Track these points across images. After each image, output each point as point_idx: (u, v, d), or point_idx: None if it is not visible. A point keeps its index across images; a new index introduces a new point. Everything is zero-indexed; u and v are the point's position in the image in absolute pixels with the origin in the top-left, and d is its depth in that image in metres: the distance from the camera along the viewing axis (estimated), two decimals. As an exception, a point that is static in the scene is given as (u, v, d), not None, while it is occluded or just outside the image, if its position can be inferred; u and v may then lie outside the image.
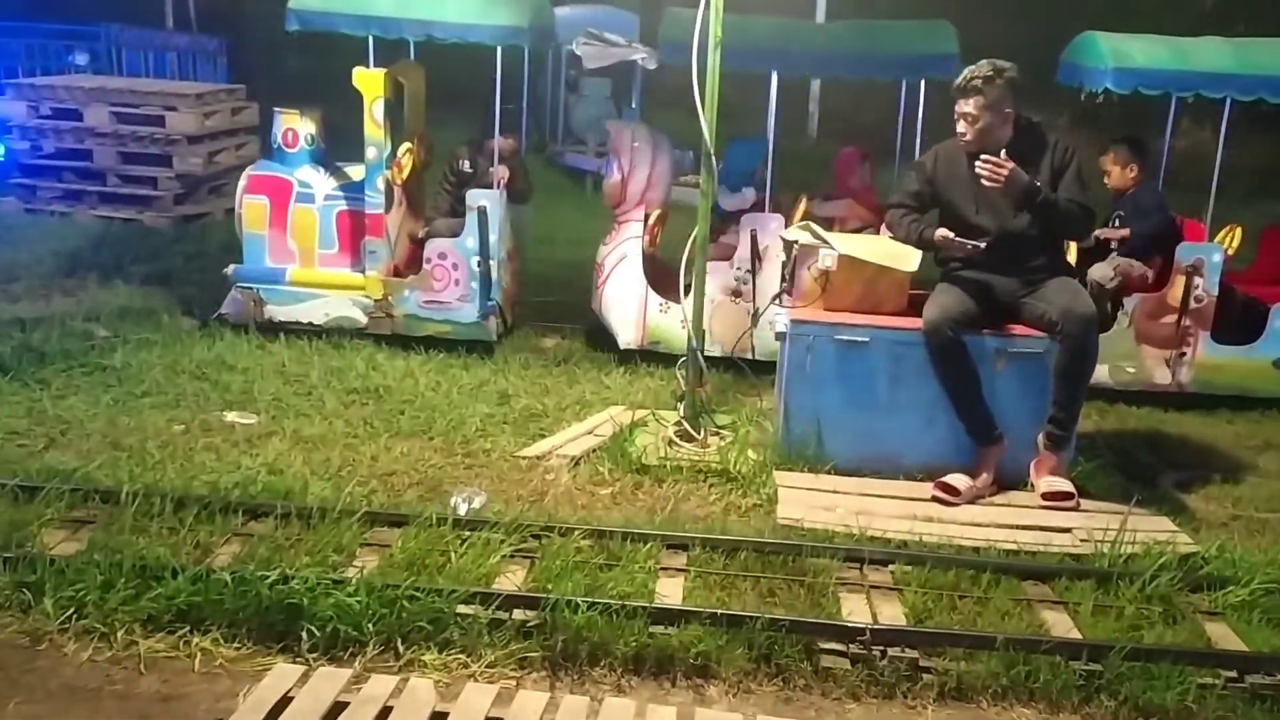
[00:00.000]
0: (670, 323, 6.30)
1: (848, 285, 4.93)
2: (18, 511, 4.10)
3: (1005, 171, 4.51)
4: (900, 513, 4.56)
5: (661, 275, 6.39)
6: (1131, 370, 6.13)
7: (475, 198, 6.28)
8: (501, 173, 6.45)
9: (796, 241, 5.10)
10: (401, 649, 3.50)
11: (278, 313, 6.48)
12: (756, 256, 6.18)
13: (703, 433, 5.28)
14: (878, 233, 5.51)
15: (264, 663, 3.40)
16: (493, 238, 6.29)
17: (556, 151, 12.29)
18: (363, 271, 6.45)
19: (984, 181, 4.55)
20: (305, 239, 6.54)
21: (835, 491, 4.74)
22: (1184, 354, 6.07)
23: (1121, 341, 6.06)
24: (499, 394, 5.87)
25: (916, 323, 4.79)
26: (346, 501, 4.30)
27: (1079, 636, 3.74)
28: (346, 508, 4.21)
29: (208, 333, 6.42)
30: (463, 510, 4.41)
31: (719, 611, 3.69)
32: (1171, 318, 6.03)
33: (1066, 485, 4.71)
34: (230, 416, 5.34)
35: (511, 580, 3.90)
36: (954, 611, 3.90)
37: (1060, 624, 3.84)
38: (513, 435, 5.35)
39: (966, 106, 4.69)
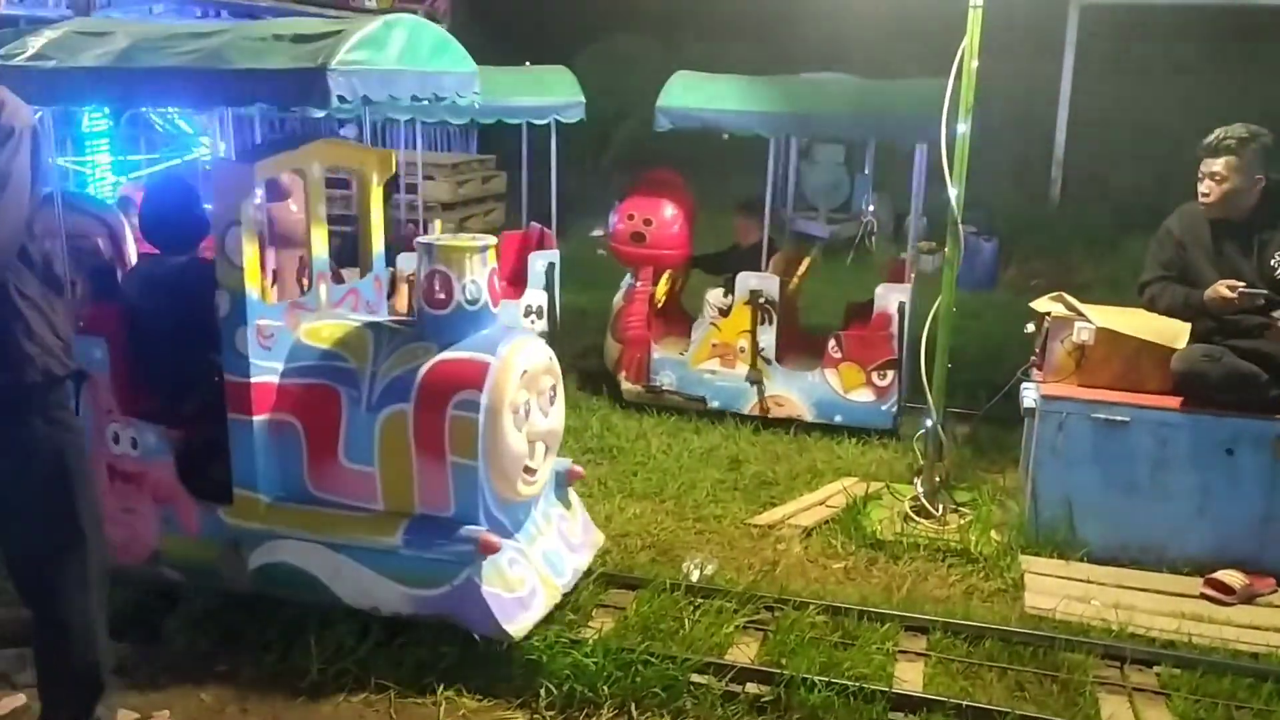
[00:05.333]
0: None
1: (1106, 361, 4.64)
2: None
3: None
4: (1165, 609, 4.21)
5: None
6: None
7: None
8: None
9: (1048, 313, 4.86)
10: (635, 713, 3.50)
11: None
12: None
13: (941, 509, 5.08)
14: None
15: (503, 716, 3.49)
16: None
17: (788, 218, 12.31)
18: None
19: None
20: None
21: (1089, 581, 4.43)
22: None
23: None
24: (730, 459, 5.86)
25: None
26: (583, 561, 4.38)
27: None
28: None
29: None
30: (695, 576, 4.41)
31: (964, 703, 3.50)
32: None
33: None
34: (474, 471, 5.57)
35: (745, 652, 3.85)
36: (1229, 723, 3.56)
37: (1359, 747, 3.42)
38: (744, 502, 5.32)
39: (1215, 166, 4.46)
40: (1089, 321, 4.69)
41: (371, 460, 3.67)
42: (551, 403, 3.84)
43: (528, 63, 7.17)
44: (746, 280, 6.33)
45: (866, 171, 11.94)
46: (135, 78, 3.62)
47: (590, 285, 8.09)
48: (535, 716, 3.49)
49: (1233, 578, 4.33)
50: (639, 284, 6.57)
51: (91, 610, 3.03)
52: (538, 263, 6.63)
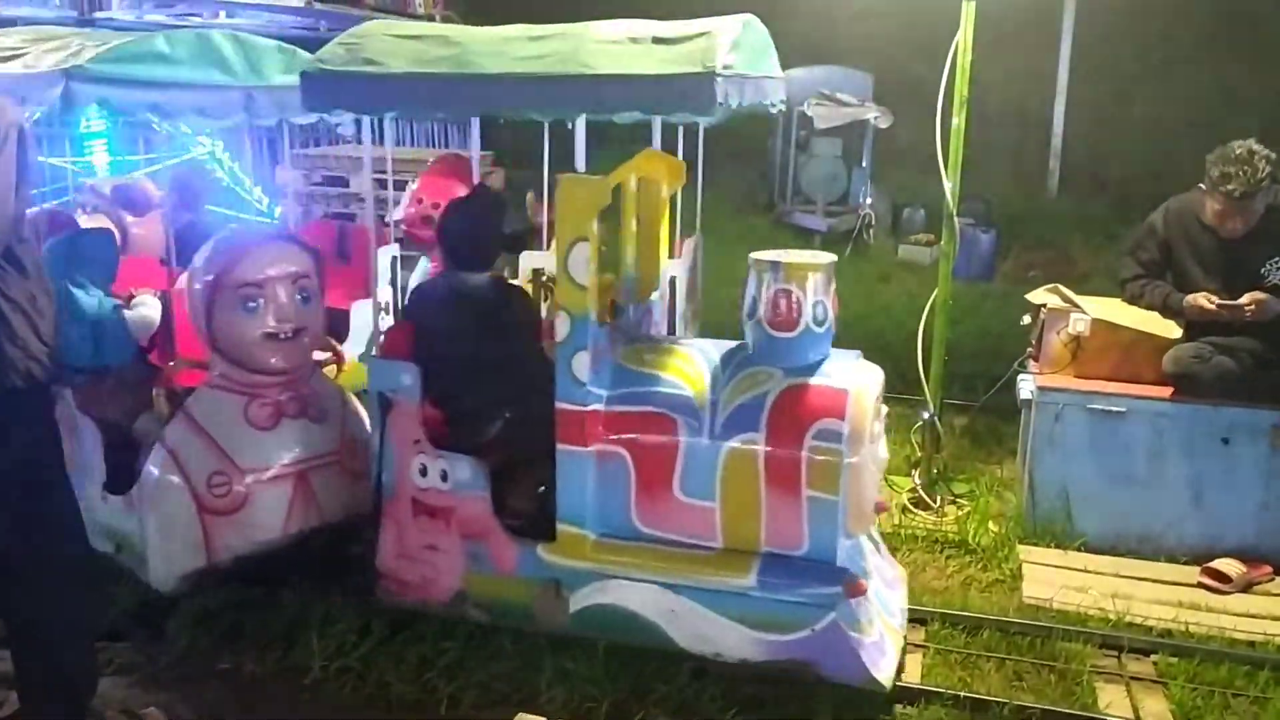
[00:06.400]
0: None
1: (1102, 352, 4.66)
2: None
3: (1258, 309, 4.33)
4: (1162, 598, 4.23)
5: None
6: None
7: None
8: None
9: (1044, 305, 4.88)
10: (635, 708, 3.50)
11: None
12: None
13: (939, 501, 5.10)
14: None
15: (505, 713, 3.49)
16: None
17: (785, 211, 12.33)
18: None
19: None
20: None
21: (1087, 571, 4.45)
22: None
23: None
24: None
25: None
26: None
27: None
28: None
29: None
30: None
31: (962, 694, 3.52)
32: None
33: None
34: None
35: (744, 646, 3.85)
36: (1227, 710, 3.56)
37: (1354, 733, 3.44)
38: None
39: (1255, 205, 4.36)
40: (1084, 313, 4.70)
41: (712, 494, 3.43)
42: (884, 430, 3.64)
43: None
44: (529, 259, 6.38)
45: (864, 164, 11.96)
46: (488, 85, 3.37)
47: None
48: (536, 713, 3.50)
49: (1229, 566, 4.35)
50: (432, 266, 6.56)
51: (70, 616, 3.02)
52: (384, 257, 6.57)
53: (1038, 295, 5.05)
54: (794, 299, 3.39)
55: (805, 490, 3.34)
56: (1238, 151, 4.32)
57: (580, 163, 3.55)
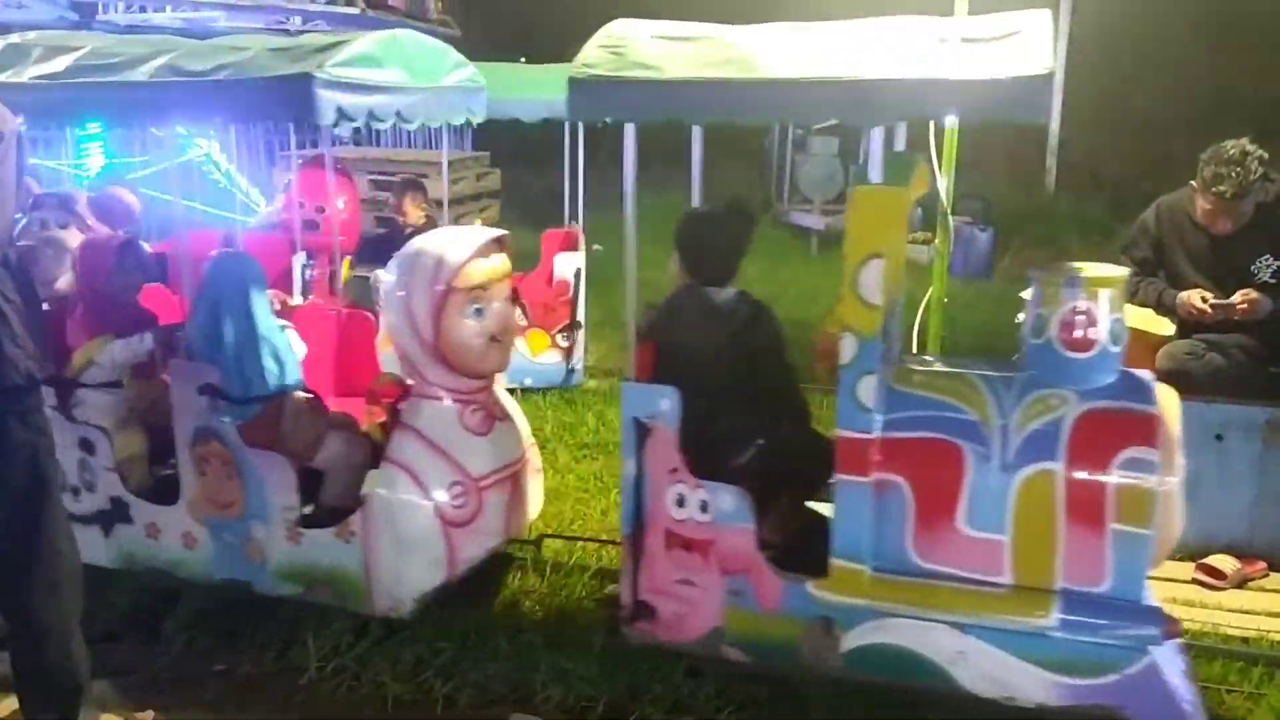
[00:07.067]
0: None
1: (1095, 349, 4.66)
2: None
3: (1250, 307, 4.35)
4: (1157, 594, 4.16)
5: None
6: None
7: None
8: None
9: (1039, 303, 4.87)
10: (631, 708, 3.51)
11: None
12: None
13: (936, 499, 5.08)
14: None
15: (500, 712, 3.51)
16: None
17: (783, 210, 12.35)
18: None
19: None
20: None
21: (1082, 568, 4.45)
22: None
23: None
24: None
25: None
26: (579, 556, 4.42)
27: (1372, 743, 3.34)
28: (579, 563, 4.32)
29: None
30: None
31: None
32: None
33: None
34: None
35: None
36: (1220, 706, 3.56)
37: (1348, 728, 3.44)
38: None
39: (1245, 206, 4.36)
40: (1078, 311, 4.69)
41: (1002, 527, 3.21)
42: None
43: (523, 59, 7.18)
44: None
45: (862, 162, 11.98)
46: (788, 89, 3.14)
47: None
48: (533, 712, 3.51)
49: (1224, 562, 4.36)
50: (315, 270, 6.49)
51: (65, 615, 3.04)
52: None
53: (1029, 293, 5.04)
54: (1090, 316, 3.19)
55: (1111, 523, 3.14)
56: (1230, 152, 4.31)
57: (875, 173, 3.34)
